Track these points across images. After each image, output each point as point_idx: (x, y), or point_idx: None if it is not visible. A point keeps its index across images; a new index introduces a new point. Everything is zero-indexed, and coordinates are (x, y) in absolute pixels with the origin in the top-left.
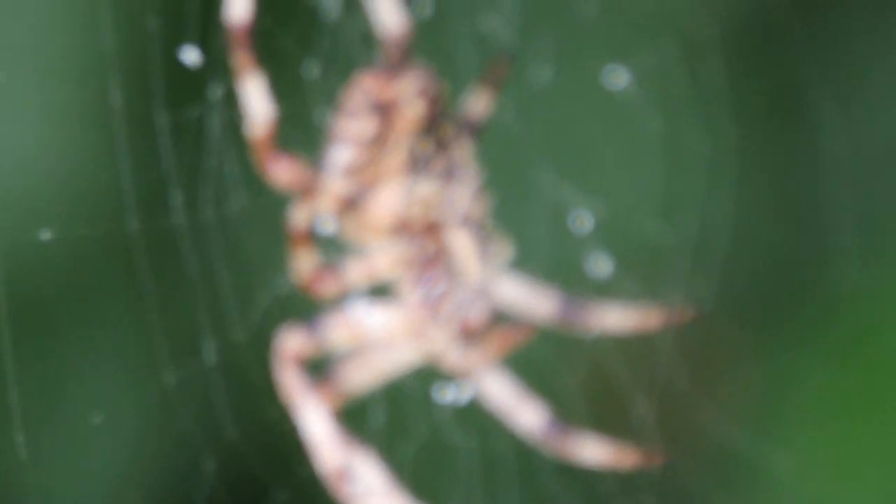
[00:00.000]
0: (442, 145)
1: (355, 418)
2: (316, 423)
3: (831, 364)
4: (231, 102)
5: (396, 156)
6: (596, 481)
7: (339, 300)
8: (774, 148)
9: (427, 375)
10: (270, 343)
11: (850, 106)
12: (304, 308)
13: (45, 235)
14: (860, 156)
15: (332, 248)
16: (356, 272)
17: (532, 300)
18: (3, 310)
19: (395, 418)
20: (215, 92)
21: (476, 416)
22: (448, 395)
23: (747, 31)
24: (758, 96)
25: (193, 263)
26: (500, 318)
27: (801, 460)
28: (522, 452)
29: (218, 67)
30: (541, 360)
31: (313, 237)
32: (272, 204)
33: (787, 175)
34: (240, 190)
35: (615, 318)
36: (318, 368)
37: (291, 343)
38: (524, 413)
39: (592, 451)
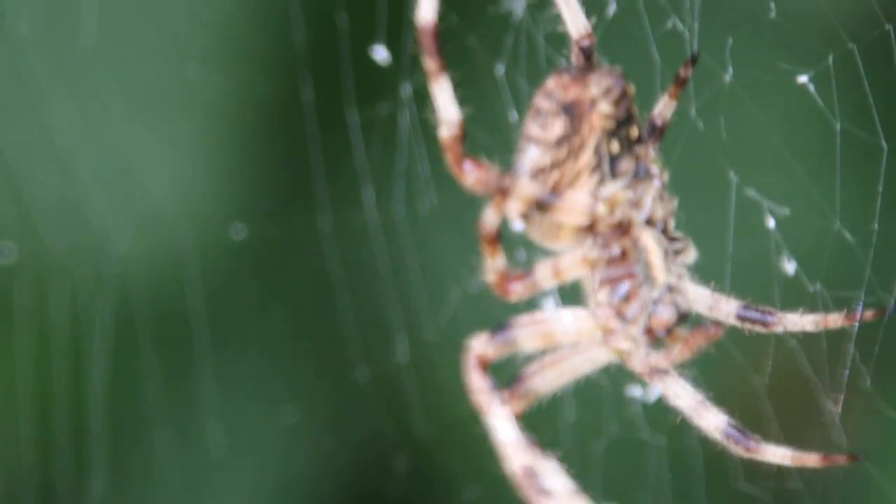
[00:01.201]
0: (628, 146)
1: (546, 415)
2: (503, 424)
3: None
4: (422, 101)
5: (584, 157)
6: (784, 479)
7: (529, 299)
8: None
9: (617, 373)
10: (460, 341)
11: None
12: (495, 306)
13: (240, 234)
14: None
15: (528, 248)
16: (545, 273)
17: (715, 301)
18: (201, 306)
19: (586, 415)
20: (405, 90)
21: (665, 414)
22: (636, 393)
23: None
24: None
25: (385, 261)
26: (687, 319)
27: None
28: (710, 450)
29: (407, 66)
30: (728, 362)
31: (502, 238)
32: (463, 202)
33: None
34: (430, 189)
35: (797, 320)
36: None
37: (481, 345)
38: (706, 417)
39: (773, 455)
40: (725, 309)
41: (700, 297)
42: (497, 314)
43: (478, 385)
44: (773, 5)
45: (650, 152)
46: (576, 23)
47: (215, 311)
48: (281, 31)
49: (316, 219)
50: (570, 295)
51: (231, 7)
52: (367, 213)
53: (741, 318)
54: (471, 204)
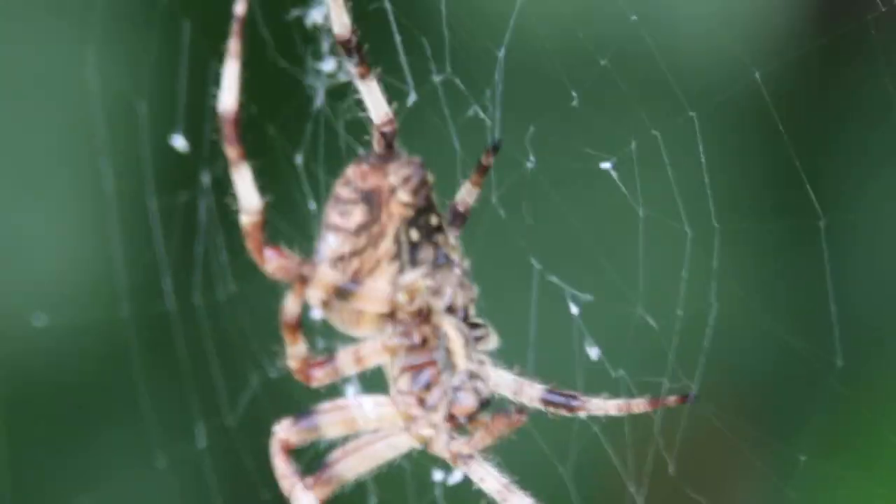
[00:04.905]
0: (428, 234)
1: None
2: None
3: (821, 454)
4: (221, 189)
5: (384, 245)
6: None
7: (332, 385)
8: (761, 237)
9: (420, 458)
10: (261, 427)
11: (835, 197)
12: (297, 392)
13: (40, 322)
14: (848, 247)
15: (332, 335)
16: (346, 359)
17: (519, 387)
18: None
19: (389, 498)
20: (204, 179)
21: (468, 497)
22: (438, 477)
23: (729, 120)
24: (741, 185)
25: (183, 349)
26: (491, 406)
27: None
28: None
29: (207, 154)
30: (532, 448)
31: (303, 325)
32: (264, 289)
33: (774, 265)
34: (228, 276)
35: (601, 404)
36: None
37: (284, 430)
38: (511, 500)
39: None
40: (530, 393)
41: (504, 382)
42: (300, 398)
43: (282, 470)
44: (574, 94)
45: (450, 240)
46: (377, 108)
47: (11, 398)
48: (79, 118)
49: (116, 309)
50: (374, 380)
51: (31, 95)
52: (166, 301)
53: (546, 401)
54: (272, 292)
